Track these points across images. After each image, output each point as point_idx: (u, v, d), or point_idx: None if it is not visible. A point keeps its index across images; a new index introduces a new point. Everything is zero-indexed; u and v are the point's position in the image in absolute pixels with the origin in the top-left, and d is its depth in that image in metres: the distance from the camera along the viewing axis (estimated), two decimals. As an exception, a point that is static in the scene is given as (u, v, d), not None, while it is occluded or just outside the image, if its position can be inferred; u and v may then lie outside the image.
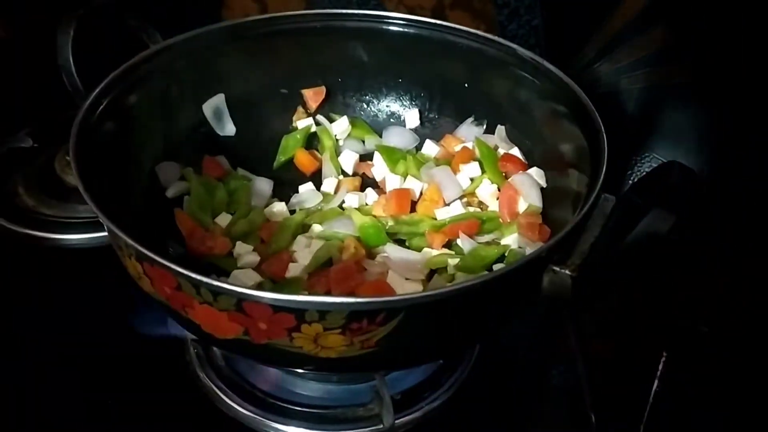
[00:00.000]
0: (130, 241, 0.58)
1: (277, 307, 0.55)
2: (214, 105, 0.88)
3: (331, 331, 0.57)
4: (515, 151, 0.85)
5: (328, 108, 0.94)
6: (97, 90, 0.73)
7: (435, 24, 0.88)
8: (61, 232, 0.93)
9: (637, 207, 0.64)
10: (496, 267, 0.75)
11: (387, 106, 0.95)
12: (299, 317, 0.56)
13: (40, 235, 0.92)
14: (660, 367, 0.82)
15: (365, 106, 0.95)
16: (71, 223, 0.93)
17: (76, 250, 0.92)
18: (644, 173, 0.95)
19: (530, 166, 0.83)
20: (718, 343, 0.85)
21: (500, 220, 0.80)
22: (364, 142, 0.93)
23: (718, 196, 0.90)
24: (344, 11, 0.90)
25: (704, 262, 0.89)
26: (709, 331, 0.86)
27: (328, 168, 0.89)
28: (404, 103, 0.94)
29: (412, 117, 0.93)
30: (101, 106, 0.73)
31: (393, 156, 0.88)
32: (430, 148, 0.90)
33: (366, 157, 0.93)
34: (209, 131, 0.88)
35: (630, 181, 0.96)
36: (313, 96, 0.93)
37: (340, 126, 0.92)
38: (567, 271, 0.60)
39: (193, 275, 0.55)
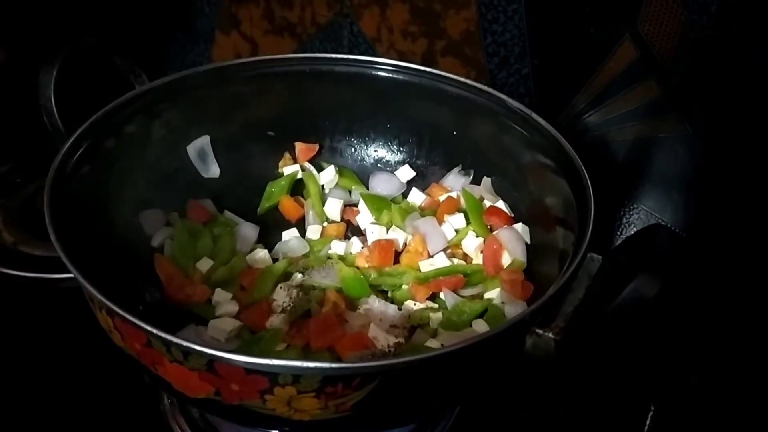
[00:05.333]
0: (98, 296, 0.56)
1: (249, 370, 0.54)
2: (199, 147, 0.87)
3: (305, 395, 0.55)
4: (501, 204, 0.83)
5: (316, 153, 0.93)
6: (76, 134, 0.72)
7: (424, 71, 0.87)
8: (41, 271, 0.90)
9: (623, 269, 0.63)
10: (476, 322, 0.74)
11: (375, 151, 0.94)
12: (272, 380, 0.54)
13: (18, 274, 0.90)
14: (648, 421, 0.80)
15: (353, 150, 0.94)
16: (52, 262, 0.91)
17: (55, 289, 0.90)
18: (632, 224, 0.94)
19: (516, 220, 0.82)
20: (708, 396, 0.83)
21: (484, 273, 0.79)
22: (350, 192, 0.92)
23: (706, 249, 0.89)
24: (334, 56, 0.89)
25: (693, 315, 0.87)
26: (699, 383, 0.84)
27: (312, 215, 0.88)
28: (392, 148, 0.93)
29: (404, 171, 0.92)
30: (80, 150, 0.72)
31: (378, 205, 0.87)
32: (416, 196, 0.89)
33: (352, 203, 0.91)
34: (193, 174, 0.87)
35: (618, 233, 0.95)
36: (305, 150, 0.92)
37: (327, 176, 0.91)
38: (551, 335, 0.59)
39: (163, 334, 0.53)
